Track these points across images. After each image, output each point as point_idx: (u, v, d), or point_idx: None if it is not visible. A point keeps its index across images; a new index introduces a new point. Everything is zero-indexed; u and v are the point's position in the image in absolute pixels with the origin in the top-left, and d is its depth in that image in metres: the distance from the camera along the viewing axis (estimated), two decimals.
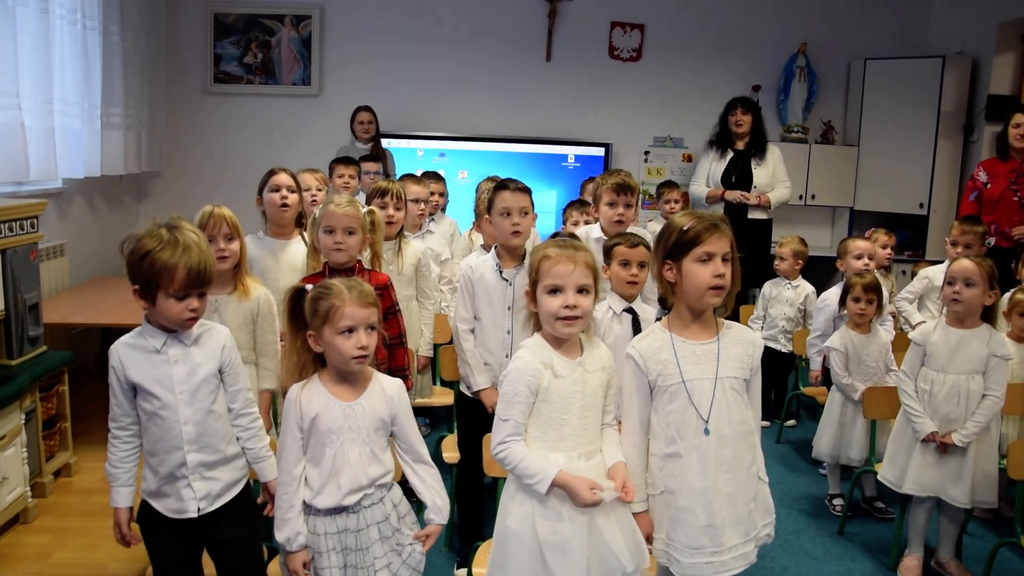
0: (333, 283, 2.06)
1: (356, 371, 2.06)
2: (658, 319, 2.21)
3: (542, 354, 2.04)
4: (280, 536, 2.00)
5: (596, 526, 1.99)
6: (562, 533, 1.97)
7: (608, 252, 2.86)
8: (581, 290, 2.02)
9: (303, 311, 2.07)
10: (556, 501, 1.98)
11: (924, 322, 3.65)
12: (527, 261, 2.29)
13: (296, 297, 2.10)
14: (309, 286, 2.10)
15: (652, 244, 2.22)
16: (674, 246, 2.07)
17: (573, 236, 2.35)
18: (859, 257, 4.08)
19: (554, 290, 2.01)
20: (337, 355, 2.02)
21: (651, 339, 2.14)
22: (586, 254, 2.07)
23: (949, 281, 2.99)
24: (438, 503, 2.14)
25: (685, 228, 2.05)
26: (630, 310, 2.82)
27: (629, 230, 3.10)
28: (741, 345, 2.13)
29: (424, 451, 2.14)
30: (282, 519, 2.01)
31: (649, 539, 2.13)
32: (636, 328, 2.79)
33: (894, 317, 4.33)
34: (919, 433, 3.00)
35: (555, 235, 2.38)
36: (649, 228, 5.52)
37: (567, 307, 1.99)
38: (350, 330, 2.00)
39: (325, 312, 2.01)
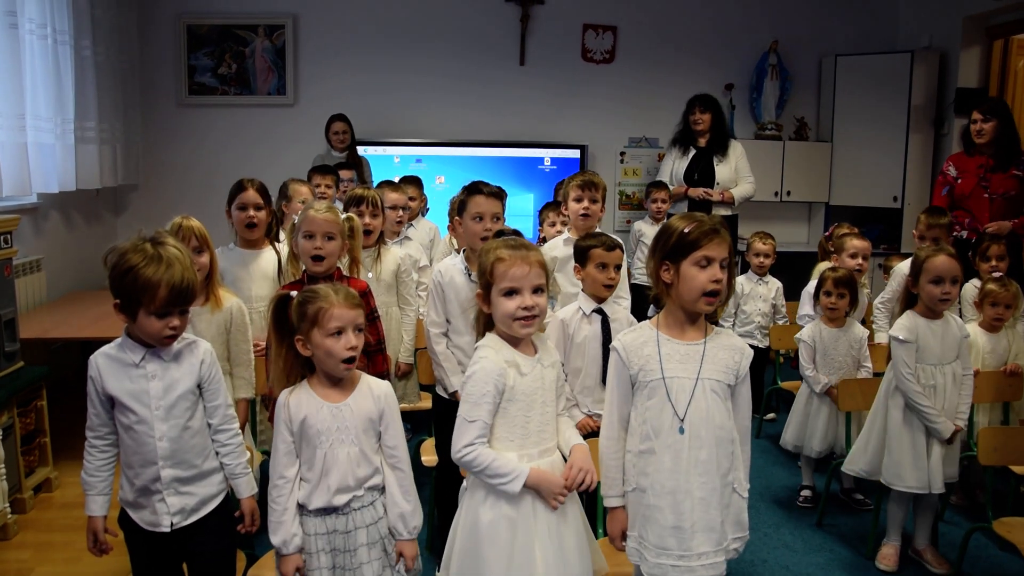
0: (319, 287, 2.08)
1: (344, 374, 2.08)
2: (649, 317, 2.23)
3: (505, 353, 2.04)
4: (275, 540, 2.04)
5: (552, 528, 2.01)
6: (531, 534, 1.98)
7: (583, 254, 2.88)
8: (536, 290, 2.04)
9: (288, 318, 2.08)
10: (527, 500, 1.99)
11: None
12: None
13: (281, 304, 2.12)
14: (294, 292, 2.12)
15: (650, 245, 2.21)
16: (673, 248, 2.06)
17: (517, 233, 2.36)
18: (854, 256, 4.13)
19: (510, 292, 2.02)
20: (327, 357, 2.04)
21: (637, 334, 2.14)
22: (537, 253, 2.08)
23: (936, 280, 2.97)
24: (402, 509, 2.10)
25: (686, 231, 2.04)
26: (599, 311, 2.85)
27: (596, 230, 3.14)
28: (728, 351, 2.11)
29: (402, 455, 2.13)
30: (276, 522, 2.04)
31: (624, 536, 2.15)
32: (605, 328, 2.82)
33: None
34: (942, 434, 2.98)
35: (500, 233, 2.39)
36: (633, 227, 5.58)
37: (525, 308, 2.01)
38: (339, 331, 2.02)
39: (313, 315, 2.02)
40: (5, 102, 4.31)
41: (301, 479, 2.07)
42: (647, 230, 5.46)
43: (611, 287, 2.86)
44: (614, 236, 2.98)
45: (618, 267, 2.87)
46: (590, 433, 2.66)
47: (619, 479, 2.14)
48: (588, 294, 2.89)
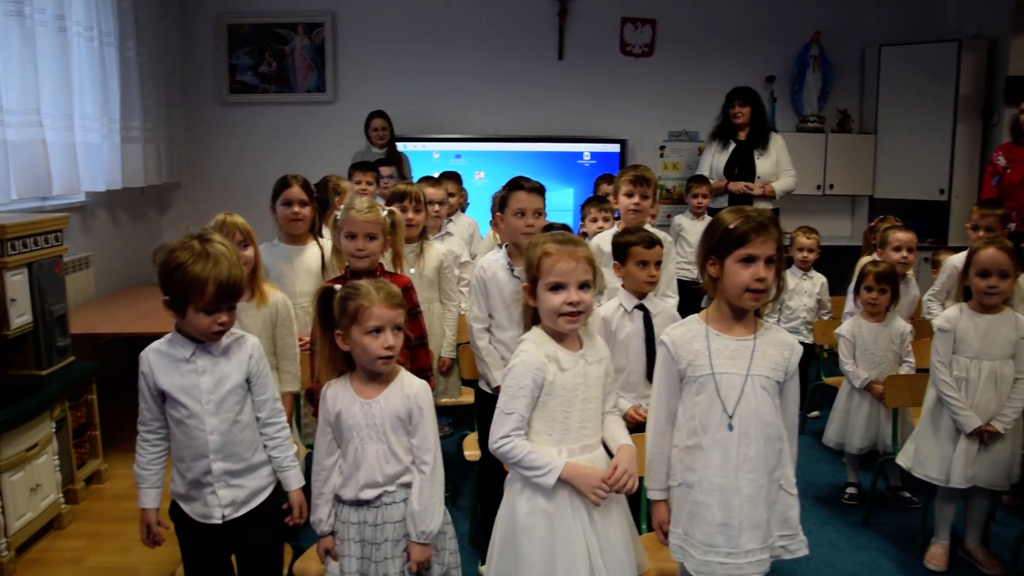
0: (361, 284, 2.10)
1: (382, 371, 2.09)
2: (702, 309, 2.21)
3: (547, 347, 2.04)
4: (312, 519, 2.14)
5: (595, 522, 2.00)
6: (569, 528, 1.97)
7: (623, 251, 2.86)
8: (583, 286, 2.03)
9: (331, 311, 2.11)
10: (564, 494, 1.99)
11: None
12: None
13: (325, 297, 2.14)
14: (337, 286, 2.14)
15: (699, 240, 2.19)
16: (719, 243, 2.04)
17: (565, 227, 2.36)
18: (898, 249, 4.05)
19: (556, 287, 2.02)
20: (364, 354, 2.06)
21: (685, 328, 2.13)
22: (585, 249, 2.08)
23: (982, 273, 2.91)
24: (414, 510, 2.07)
25: (731, 227, 2.01)
26: (641, 307, 2.83)
27: (645, 227, 3.12)
28: (778, 347, 2.08)
29: (429, 458, 2.10)
30: (313, 504, 2.14)
31: (664, 531, 2.14)
32: (648, 325, 2.80)
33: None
34: (965, 427, 2.93)
35: (549, 227, 2.38)
36: (673, 222, 5.53)
37: (570, 303, 2.00)
38: (377, 330, 2.04)
39: (353, 312, 2.05)
40: (55, 103, 4.41)
41: (339, 469, 2.13)
42: (687, 225, 5.41)
43: (652, 283, 2.84)
44: (655, 231, 2.96)
45: (659, 263, 2.85)
46: (636, 426, 2.65)
47: (664, 473, 2.14)
48: (629, 290, 2.87)
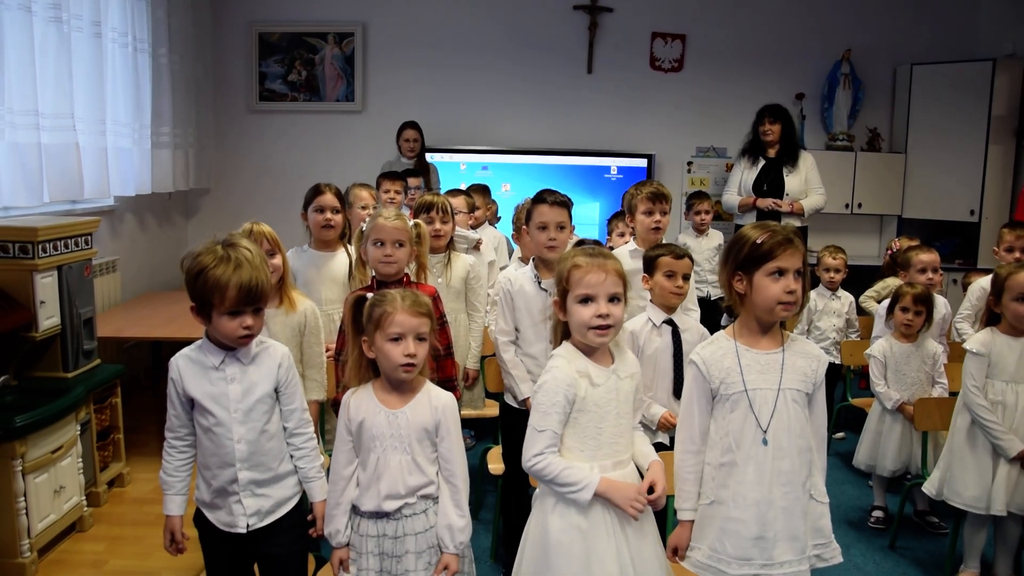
0: (389, 291, 2.11)
1: (404, 379, 2.07)
2: (723, 327, 2.19)
3: (577, 363, 2.03)
4: (326, 530, 2.11)
5: (629, 539, 1.98)
6: (603, 545, 1.95)
7: (651, 263, 2.85)
8: (612, 299, 2.01)
9: (363, 318, 2.11)
10: (598, 510, 1.97)
11: None
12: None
13: (358, 304, 2.14)
14: (370, 294, 2.14)
15: (722, 254, 2.18)
16: (746, 258, 2.04)
17: (597, 243, 2.35)
18: (923, 271, 4.01)
19: (585, 299, 2.00)
20: (386, 361, 2.05)
21: (715, 346, 2.12)
22: (616, 262, 2.06)
23: (1020, 298, 2.87)
24: (451, 522, 2.07)
25: (759, 241, 2.02)
26: (670, 321, 2.81)
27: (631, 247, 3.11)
28: (806, 358, 2.09)
29: (456, 469, 2.10)
30: (330, 515, 2.11)
31: (683, 552, 2.11)
32: (676, 339, 2.78)
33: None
34: (1008, 452, 2.87)
35: (580, 243, 2.37)
36: (679, 240, 5.48)
37: (599, 316, 1.98)
38: (399, 337, 2.03)
39: (378, 318, 2.05)
40: (88, 108, 4.46)
41: (357, 479, 2.10)
42: (691, 242, 5.33)
43: (680, 295, 2.82)
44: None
45: (686, 277, 2.83)
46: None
47: (695, 492, 2.12)
48: (657, 304, 2.85)
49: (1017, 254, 3.94)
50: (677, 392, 2.76)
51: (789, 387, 2.05)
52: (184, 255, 2.11)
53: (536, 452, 1.99)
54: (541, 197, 2.91)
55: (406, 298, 2.07)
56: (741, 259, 2.06)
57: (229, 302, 2.02)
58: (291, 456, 2.22)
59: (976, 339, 2.99)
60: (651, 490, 1.98)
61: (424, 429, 2.07)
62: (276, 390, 2.17)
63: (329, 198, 3.41)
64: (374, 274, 2.88)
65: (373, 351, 2.07)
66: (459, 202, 4.17)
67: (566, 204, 2.92)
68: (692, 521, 2.13)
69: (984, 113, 6.23)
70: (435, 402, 2.10)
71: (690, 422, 2.13)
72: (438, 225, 3.51)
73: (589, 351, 2.05)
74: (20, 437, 2.95)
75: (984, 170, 6.28)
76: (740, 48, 6.74)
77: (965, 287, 4.58)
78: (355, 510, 2.09)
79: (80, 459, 3.38)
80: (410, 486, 2.05)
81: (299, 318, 2.82)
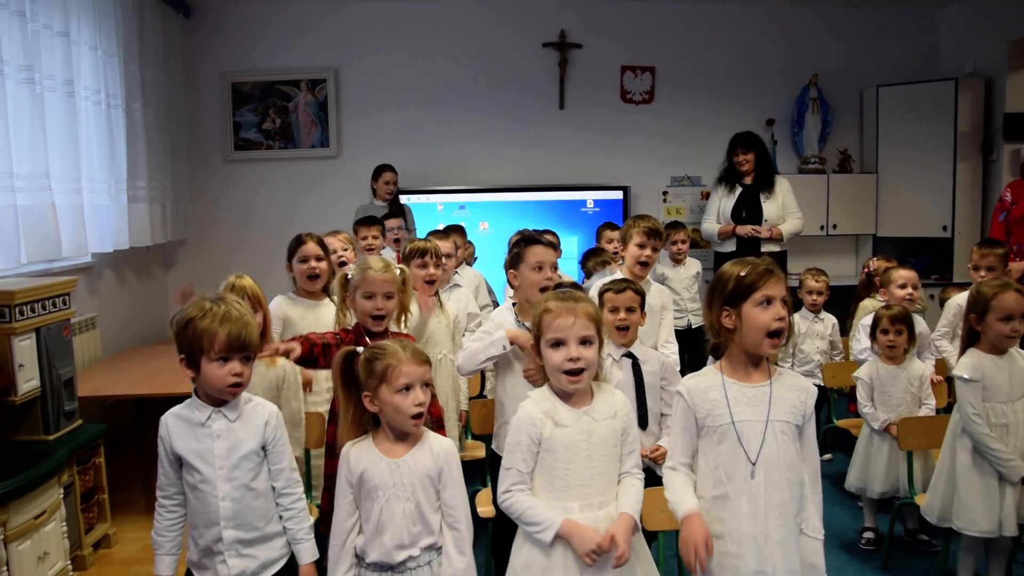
0: (386, 344, 2.10)
1: (413, 430, 2.08)
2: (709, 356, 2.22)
3: (544, 404, 2.07)
4: None
5: None
6: None
7: (600, 300, 2.89)
8: (584, 341, 2.04)
9: (354, 374, 2.10)
10: (559, 552, 1.98)
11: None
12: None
13: (347, 360, 2.13)
14: (360, 348, 2.13)
15: (706, 295, 2.19)
16: (732, 293, 2.07)
17: (575, 285, 2.37)
18: (903, 287, 4.04)
19: (556, 343, 2.04)
20: (396, 414, 2.04)
21: (701, 378, 2.15)
22: (587, 304, 2.09)
23: (1005, 318, 2.87)
24: (454, 565, 2.05)
25: (742, 274, 2.06)
26: (629, 355, 2.83)
27: (615, 276, 3.12)
28: (794, 391, 2.10)
29: (459, 515, 2.09)
30: (332, 569, 2.08)
31: (701, 548, 2.03)
32: (637, 372, 2.79)
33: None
34: (1012, 477, 2.85)
35: (558, 287, 2.40)
36: (655, 271, 5.49)
37: (570, 360, 2.02)
38: (408, 388, 2.03)
39: (382, 372, 2.04)
40: (64, 166, 4.45)
41: (360, 531, 2.08)
42: (669, 272, 5.35)
43: (623, 330, 2.86)
44: (661, 287, 2.97)
45: (630, 309, 2.86)
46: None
47: (690, 488, 2.11)
48: (610, 338, 2.86)
49: (983, 272, 3.97)
50: (643, 423, 2.79)
51: (778, 419, 2.06)
52: (172, 316, 2.14)
53: (504, 489, 2.06)
54: (535, 239, 2.94)
55: (406, 348, 2.08)
56: (727, 295, 2.08)
57: (219, 346, 2.04)
58: (279, 516, 2.20)
59: (965, 364, 2.95)
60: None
61: (427, 476, 2.07)
62: (264, 448, 2.16)
63: (312, 247, 3.44)
64: (355, 322, 2.88)
65: (376, 405, 2.06)
66: (447, 245, 4.17)
67: (558, 244, 2.95)
68: (696, 513, 2.05)
69: (950, 131, 6.36)
70: (436, 448, 2.10)
71: (674, 452, 2.16)
72: (431, 270, 3.51)
73: (564, 394, 2.08)
74: (2, 505, 2.90)
75: (954, 186, 6.40)
76: (709, 77, 6.86)
77: (942, 302, 4.63)
78: (359, 561, 2.07)
79: (64, 523, 3.33)
80: (414, 534, 2.04)
81: (279, 372, 2.81)
